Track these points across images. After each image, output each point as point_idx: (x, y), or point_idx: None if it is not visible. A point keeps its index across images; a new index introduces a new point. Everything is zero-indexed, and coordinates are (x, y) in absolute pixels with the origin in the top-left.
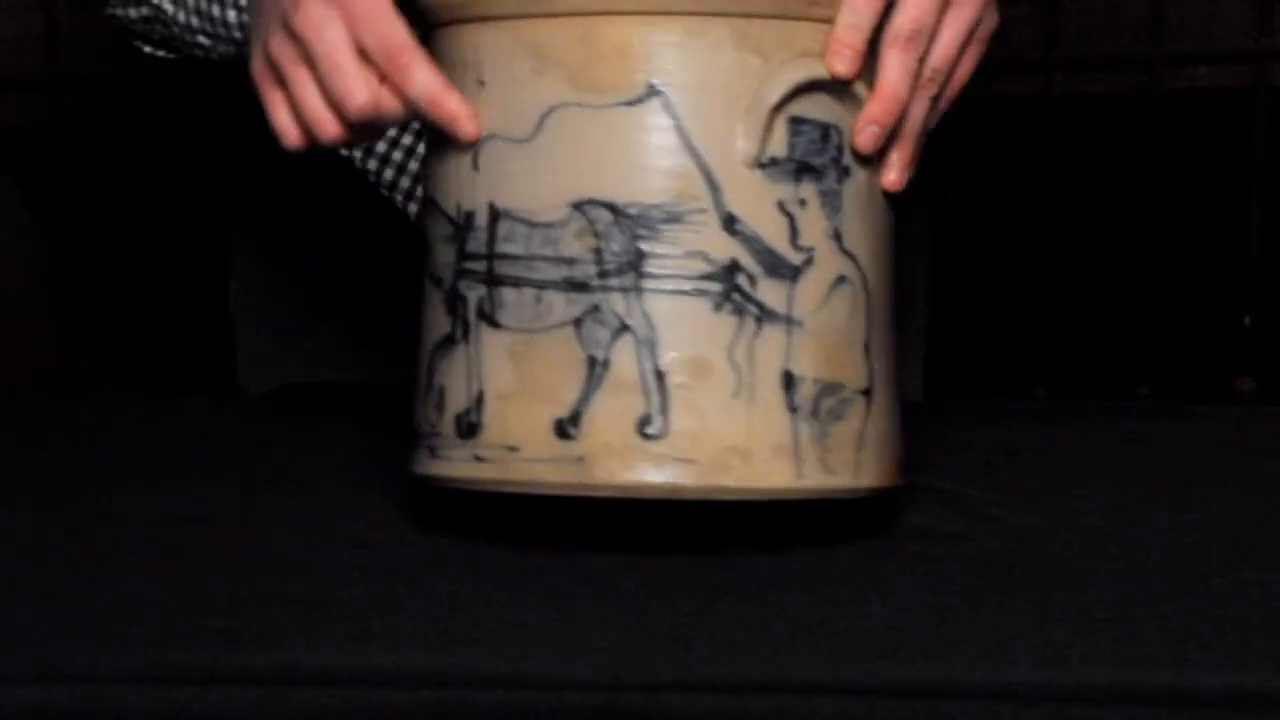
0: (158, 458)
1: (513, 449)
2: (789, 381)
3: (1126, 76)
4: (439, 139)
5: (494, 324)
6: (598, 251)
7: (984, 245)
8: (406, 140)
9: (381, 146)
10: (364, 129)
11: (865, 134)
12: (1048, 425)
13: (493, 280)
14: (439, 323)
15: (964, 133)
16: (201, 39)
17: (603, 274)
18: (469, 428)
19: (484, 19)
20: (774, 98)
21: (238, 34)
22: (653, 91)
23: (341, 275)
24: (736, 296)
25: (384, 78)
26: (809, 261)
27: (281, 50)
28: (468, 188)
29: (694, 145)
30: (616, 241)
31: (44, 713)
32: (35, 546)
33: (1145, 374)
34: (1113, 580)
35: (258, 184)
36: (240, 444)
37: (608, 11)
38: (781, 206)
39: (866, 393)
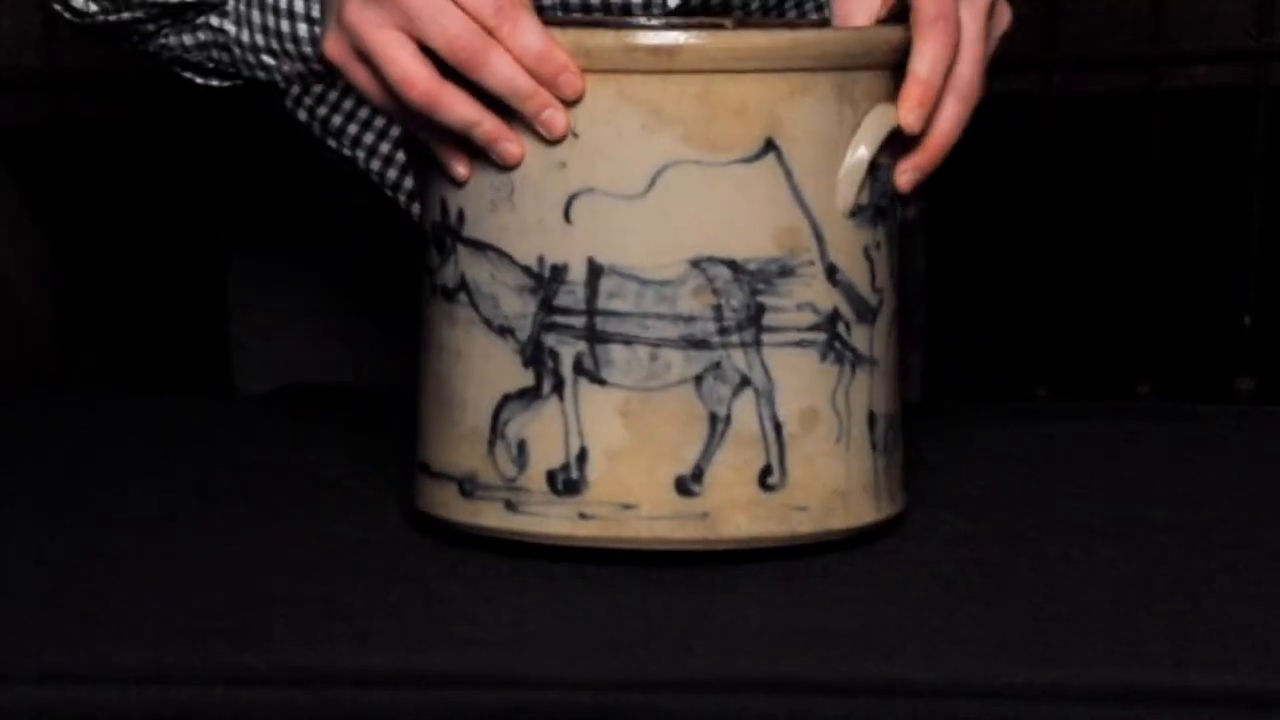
0: (157, 458)
1: (628, 506)
2: (872, 421)
3: (1126, 76)
4: (499, 189)
5: (599, 381)
6: (717, 308)
7: (984, 245)
8: None
9: (385, 146)
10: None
11: (907, 177)
12: (1048, 425)
13: (596, 337)
14: (509, 373)
15: (964, 131)
16: (266, 58)
17: (723, 330)
18: (569, 485)
19: (582, 71)
20: (872, 149)
21: (307, 49)
22: (769, 147)
23: (340, 275)
24: (837, 344)
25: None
26: (881, 303)
27: (361, 16)
28: (556, 240)
29: (804, 199)
30: (736, 298)
31: (44, 713)
32: (35, 546)
33: (1145, 373)
34: (1112, 580)
35: (256, 183)
36: (239, 444)
37: (725, 69)
38: (866, 252)
39: (902, 420)
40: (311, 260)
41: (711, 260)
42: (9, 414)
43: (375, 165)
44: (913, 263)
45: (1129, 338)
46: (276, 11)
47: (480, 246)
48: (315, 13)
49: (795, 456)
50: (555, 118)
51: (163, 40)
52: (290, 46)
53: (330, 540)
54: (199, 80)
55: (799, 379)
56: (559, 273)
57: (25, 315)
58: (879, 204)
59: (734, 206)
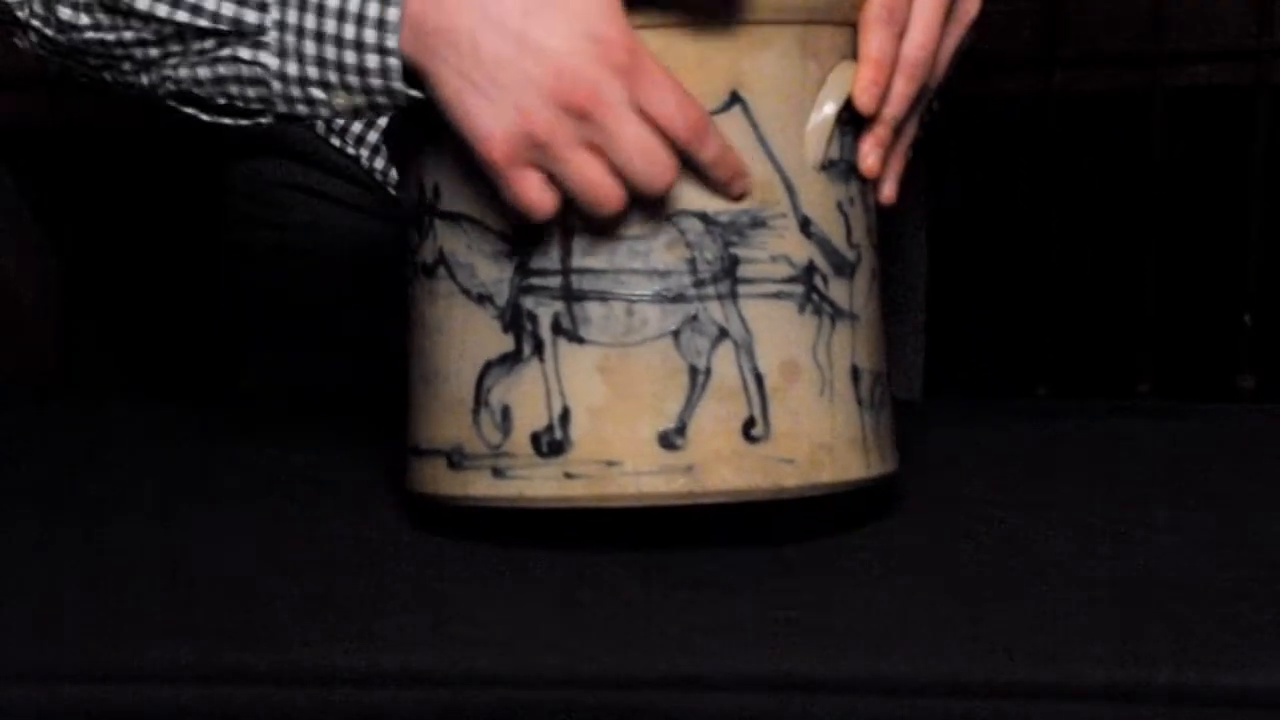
0: (157, 459)
1: (612, 463)
2: (856, 376)
3: (1127, 75)
4: (465, 153)
5: (577, 339)
6: (691, 261)
7: (984, 243)
8: None
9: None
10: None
11: (870, 160)
12: (1047, 424)
13: (572, 296)
14: (490, 340)
15: (964, 130)
16: (316, 91)
17: (698, 283)
18: (553, 445)
19: None
20: (838, 105)
21: (374, 80)
22: (734, 99)
23: (341, 276)
24: (815, 297)
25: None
26: (859, 258)
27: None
28: None
29: (772, 151)
30: (710, 250)
31: (44, 713)
32: (35, 546)
33: (1145, 372)
34: (1113, 580)
35: (256, 183)
36: (239, 444)
37: (685, 23)
38: (839, 207)
39: (889, 379)
40: (312, 260)
41: (683, 213)
42: (9, 414)
43: (379, 164)
44: (914, 262)
45: (1129, 337)
46: (339, 43)
47: (456, 218)
48: (390, 43)
49: (778, 409)
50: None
51: (167, 71)
52: (353, 79)
53: (330, 540)
54: (205, 117)
55: (777, 330)
56: (534, 235)
57: (26, 315)
58: (850, 160)
59: None
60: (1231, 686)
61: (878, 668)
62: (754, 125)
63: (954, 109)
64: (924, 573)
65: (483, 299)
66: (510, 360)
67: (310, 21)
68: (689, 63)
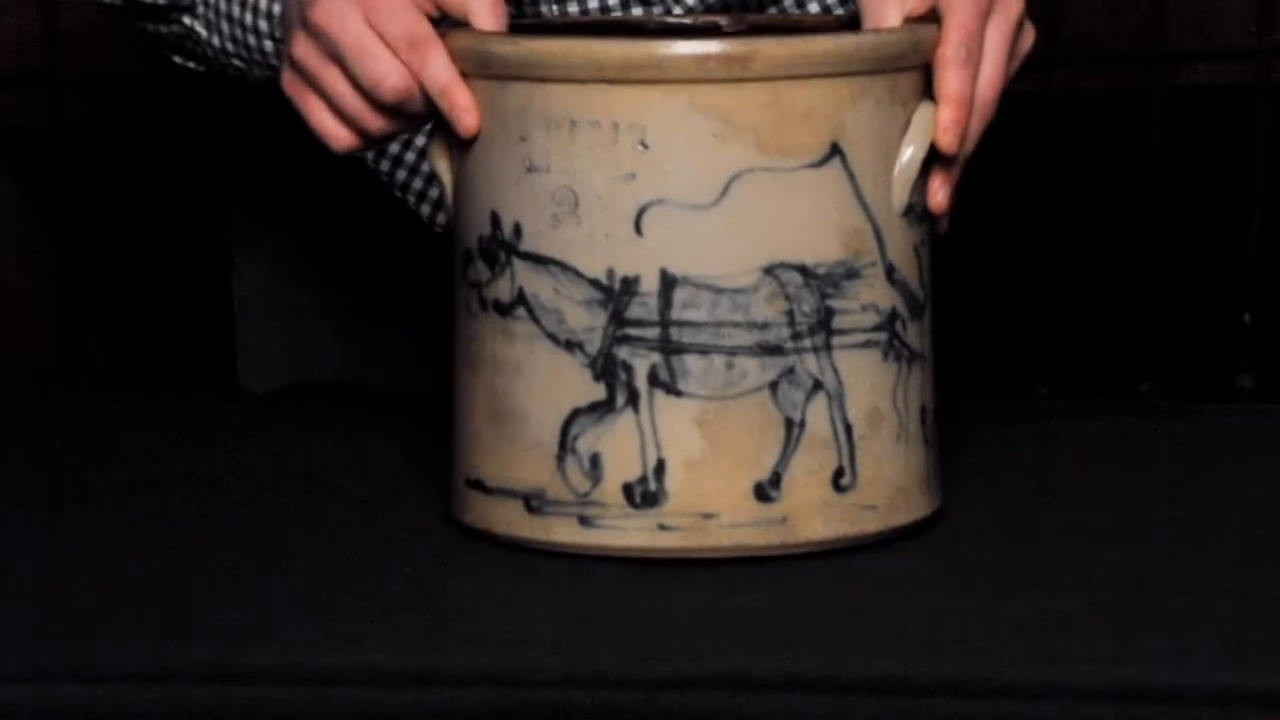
0: (158, 457)
1: (708, 516)
2: (924, 416)
3: (1127, 74)
4: (561, 203)
5: (675, 392)
6: (790, 314)
7: (983, 243)
8: (420, 141)
9: (394, 148)
10: (403, 118)
11: (942, 195)
12: (1048, 424)
13: (670, 348)
14: (578, 387)
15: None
16: (236, 63)
17: (795, 335)
18: (646, 497)
19: (651, 82)
20: (923, 148)
21: (275, 61)
22: (834, 151)
23: (342, 275)
24: (896, 343)
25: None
26: (927, 299)
27: (305, 51)
28: (627, 253)
29: (866, 200)
30: (807, 302)
31: (44, 713)
32: (35, 546)
33: (1146, 372)
34: (1113, 579)
35: (259, 182)
36: (240, 444)
37: (792, 75)
38: (915, 250)
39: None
40: (313, 260)
41: (784, 266)
42: (9, 414)
43: (384, 166)
44: None
45: (1129, 337)
46: (243, 27)
47: (541, 260)
48: (280, 33)
49: (864, 456)
50: (464, 118)
51: (142, 25)
52: (259, 58)
53: (330, 540)
54: (177, 59)
55: (865, 380)
56: (630, 285)
57: (26, 315)
58: (923, 202)
59: (803, 212)
60: (1231, 686)
61: (878, 667)
62: (851, 176)
63: None
64: (924, 572)
65: (571, 345)
66: (602, 409)
67: (223, 5)
68: (795, 114)
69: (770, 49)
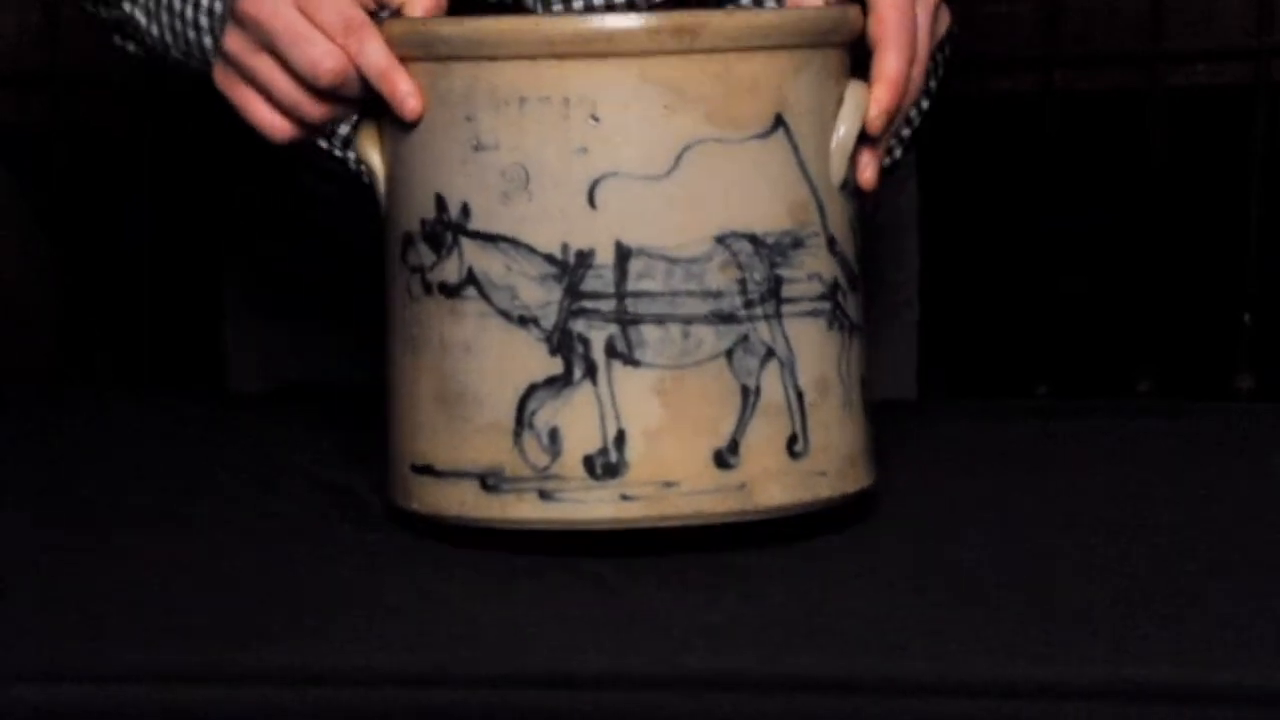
0: (156, 458)
1: (670, 484)
2: (864, 386)
3: (1126, 74)
4: (512, 180)
5: (633, 362)
6: (742, 282)
7: (984, 243)
8: None
9: None
10: (340, 103)
11: (870, 172)
12: (1047, 424)
13: (627, 319)
14: (534, 363)
15: (963, 130)
16: (175, 54)
17: (748, 304)
18: (607, 468)
19: (602, 55)
20: (856, 123)
21: (213, 58)
22: (779, 123)
23: (336, 276)
24: (838, 313)
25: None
26: (862, 273)
27: (237, 43)
28: (581, 226)
29: (809, 172)
30: (758, 271)
31: (44, 713)
32: (35, 546)
33: (1145, 371)
34: (1112, 579)
35: (253, 184)
36: (238, 444)
37: (741, 47)
38: (851, 224)
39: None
40: (308, 261)
41: (735, 235)
42: (9, 414)
43: (351, 156)
44: (906, 262)
45: (1129, 335)
46: (183, 20)
47: (491, 239)
48: (220, 30)
49: (814, 424)
50: (407, 100)
51: (83, 4)
52: (197, 53)
53: (329, 540)
54: (116, 39)
55: (813, 348)
56: (585, 258)
57: (26, 315)
58: (854, 178)
59: (752, 182)
60: (1230, 686)
61: (878, 668)
62: (794, 147)
63: (953, 109)
64: (924, 573)
65: (525, 321)
66: (559, 383)
67: None
68: (743, 86)
69: (719, 20)
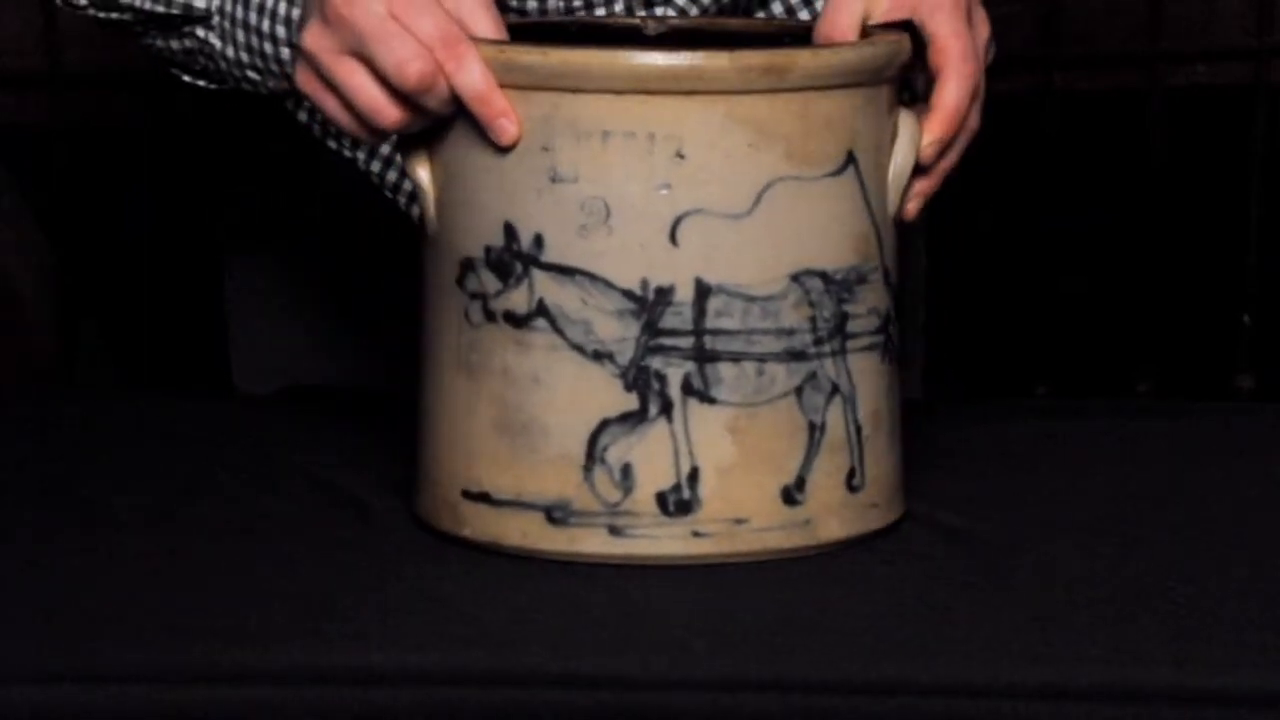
0: (157, 458)
1: (740, 521)
2: (904, 414)
3: (1126, 74)
4: (591, 214)
5: (708, 400)
6: (813, 319)
7: (983, 243)
8: None
9: (385, 148)
10: (417, 112)
11: (915, 204)
12: (1047, 423)
13: (704, 356)
14: (608, 397)
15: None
16: (251, 74)
17: (817, 340)
18: (680, 505)
19: (689, 93)
20: (913, 156)
21: (290, 70)
22: (850, 159)
23: (338, 276)
24: (890, 344)
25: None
26: (901, 301)
27: (320, 42)
28: (661, 262)
29: (871, 207)
30: (827, 308)
31: (44, 713)
32: (35, 546)
33: (1145, 372)
34: (1112, 580)
35: (255, 184)
36: (238, 445)
37: (819, 86)
38: (898, 254)
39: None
40: (310, 261)
41: (809, 273)
42: (9, 414)
43: (375, 166)
44: (913, 262)
45: (1129, 337)
46: (260, 34)
47: (567, 271)
48: (296, 39)
49: (870, 457)
50: (506, 126)
51: (149, 41)
52: (274, 67)
53: (329, 540)
54: (186, 78)
55: (870, 381)
56: (664, 294)
57: (25, 315)
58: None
59: (824, 220)
60: (1230, 686)
61: (878, 668)
62: (861, 183)
63: None
64: (923, 574)
65: (600, 356)
66: (633, 419)
67: (240, 12)
68: (820, 124)
69: (806, 59)
